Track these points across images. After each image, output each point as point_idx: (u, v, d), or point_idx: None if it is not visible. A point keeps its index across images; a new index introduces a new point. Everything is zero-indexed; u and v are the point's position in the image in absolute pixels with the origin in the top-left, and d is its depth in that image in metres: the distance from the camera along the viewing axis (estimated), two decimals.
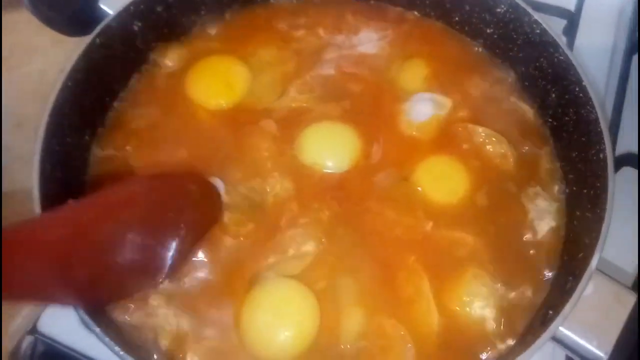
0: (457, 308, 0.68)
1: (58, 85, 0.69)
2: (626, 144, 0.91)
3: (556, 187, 0.76)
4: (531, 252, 0.72)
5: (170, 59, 0.85)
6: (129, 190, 0.64)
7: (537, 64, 0.80)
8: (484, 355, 0.66)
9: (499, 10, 0.83)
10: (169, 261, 0.64)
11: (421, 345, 0.66)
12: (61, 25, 0.83)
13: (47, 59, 1.08)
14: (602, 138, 0.68)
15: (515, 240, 0.73)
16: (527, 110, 0.83)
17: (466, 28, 0.88)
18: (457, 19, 0.89)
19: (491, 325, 0.67)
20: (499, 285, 0.69)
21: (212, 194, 0.73)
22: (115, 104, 0.81)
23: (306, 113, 0.81)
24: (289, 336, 0.65)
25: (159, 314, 0.66)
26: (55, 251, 0.53)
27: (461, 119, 0.81)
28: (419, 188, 0.75)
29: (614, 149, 0.87)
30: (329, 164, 0.77)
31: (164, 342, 0.65)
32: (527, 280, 0.70)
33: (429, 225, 0.73)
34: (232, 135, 0.79)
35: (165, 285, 0.67)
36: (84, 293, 0.58)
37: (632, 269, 0.77)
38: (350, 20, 0.91)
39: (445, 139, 0.79)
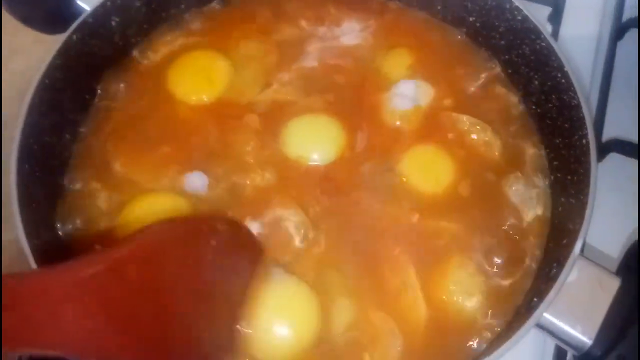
0: (444, 297, 0.68)
1: (34, 84, 0.68)
2: (613, 130, 0.91)
3: (541, 174, 0.76)
4: (517, 239, 0.72)
5: (150, 54, 0.84)
6: (153, 235, 0.56)
7: (520, 51, 0.80)
8: (472, 344, 0.66)
9: None
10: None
11: (409, 335, 0.66)
12: (38, 22, 0.82)
13: (29, 58, 1.06)
14: (585, 124, 0.68)
15: (501, 228, 0.72)
16: (511, 98, 0.82)
17: (448, 17, 0.88)
18: (439, 7, 0.88)
19: (478, 313, 0.67)
20: (485, 273, 0.69)
21: (243, 232, 0.69)
22: (95, 101, 0.80)
23: (289, 106, 0.80)
24: (292, 334, 0.65)
25: None
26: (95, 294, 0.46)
27: (445, 107, 0.81)
28: (404, 178, 0.75)
29: (600, 136, 0.88)
30: (314, 156, 0.76)
31: None
32: (513, 268, 0.70)
33: (415, 216, 0.73)
34: (215, 130, 0.78)
35: None
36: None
37: (616, 254, 0.77)
38: (332, 12, 0.90)
39: (429, 127, 0.79)
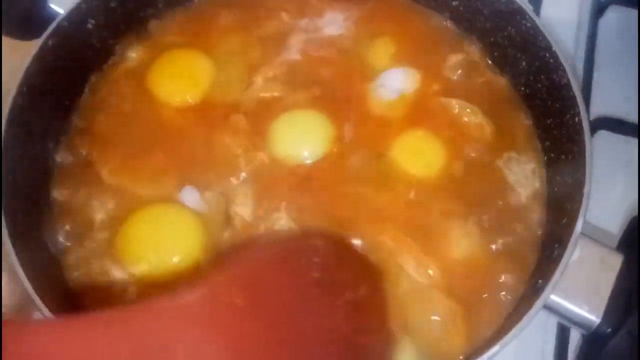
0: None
1: (13, 92, 0.65)
2: (600, 108, 0.91)
3: (534, 155, 0.76)
4: (514, 219, 0.72)
5: (129, 55, 0.82)
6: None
7: (505, 33, 0.79)
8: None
9: None
10: None
11: None
12: (10, 28, 0.79)
13: (7, 68, 1.04)
14: (576, 102, 0.67)
15: (497, 208, 0.72)
16: (499, 80, 0.82)
17: (432, 2, 0.87)
18: None
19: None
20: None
21: (344, 246, 0.66)
22: (77, 107, 0.77)
23: (276, 102, 0.79)
24: None
25: None
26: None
27: (434, 93, 0.80)
28: (397, 163, 0.74)
29: (588, 114, 0.88)
30: (304, 153, 0.75)
31: None
32: (514, 249, 0.70)
33: (411, 199, 0.72)
34: (202, 133, 0.76)
35: None
36: None
37: (615, 230, 0.78)
38: (313, 3, 0.88)
39: (419, 114, 0.78)
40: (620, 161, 0.86)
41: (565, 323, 0.60)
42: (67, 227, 0.70)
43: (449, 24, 0.87)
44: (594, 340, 0.58)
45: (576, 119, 0.67)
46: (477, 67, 0.83)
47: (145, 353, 0.39)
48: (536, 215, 0.72)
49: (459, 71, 0.83)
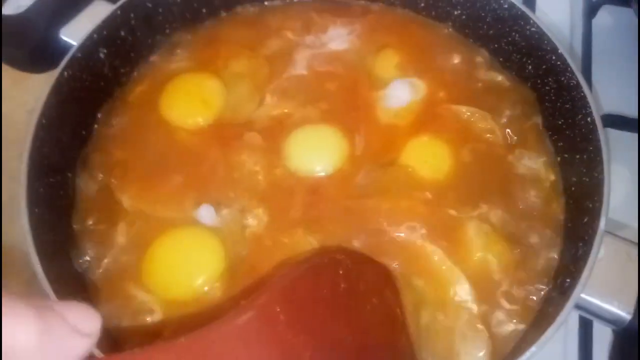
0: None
1: (33, 125, 0.66)
2: (600, 106, 0.92)
3: (547, 156, 0.77)
4: (533, 223, 0.72)
5: (140, 83, 0.83)
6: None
7: (509, 39, 0.81)
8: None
9: None
10: None
11: None
12: (23, 62, 0.80)
13: (10, 101, 1.04)
14: (587, 102, 0.68)
15: (516, 209, 0.73)
16: (506, 85, 0.83)
17: (433, 13, 0.89)
18: (422, 5, 0.89)
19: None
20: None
21: (361, 258, 0.69)
22: (92, 136, 0.78)
23: (287, 119, 0.80)
24: None
25: None
26: None
27: (442, 100, 0.81)
28: (410, 169, 0.75)
29: None
30: (318, 167, 0.76)
31: None
32: (533, 248, 0.71)
33: (428, 203, 0.73)
34: (217, 153, 0.77)
35: None
36: None
37: (635, 223, 0.78)
38: (316, 20, 0.90)
39: (429, 121, 0.79)
40: (624, 156, 0.88)
41: (596, 320, 0.61)
42: (91, 254, 0.70)
43: (451, 32, 0.88)
44: (626, 336, 0.58)
45: (588, 119, 0.68)
46: (482, 73, 0.85)
47: None
48: (553, 215, 0.73)
49: (464, 78, 0.84)
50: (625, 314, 0.59)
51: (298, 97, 0.82)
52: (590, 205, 0.64)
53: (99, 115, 0.79)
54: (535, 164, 0.76)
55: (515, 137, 0.78)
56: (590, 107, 0.68)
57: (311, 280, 0.59)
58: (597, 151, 0.66)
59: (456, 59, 0.86)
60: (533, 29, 0.76)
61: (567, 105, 0.73)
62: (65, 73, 0.71)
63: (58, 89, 0.70)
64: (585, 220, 0.65)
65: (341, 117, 0.79)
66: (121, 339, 0.64)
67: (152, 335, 0.65)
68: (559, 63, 0.73)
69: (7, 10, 0.79)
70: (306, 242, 0.70)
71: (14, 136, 0.93)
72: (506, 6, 0.79)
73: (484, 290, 0.68)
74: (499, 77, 0.84)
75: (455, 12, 0.86)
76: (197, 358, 0.43)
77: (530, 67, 0.79)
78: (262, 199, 0.73)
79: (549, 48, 0.74)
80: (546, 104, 0.78)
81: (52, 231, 0.65)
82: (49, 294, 0.58)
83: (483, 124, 0.78)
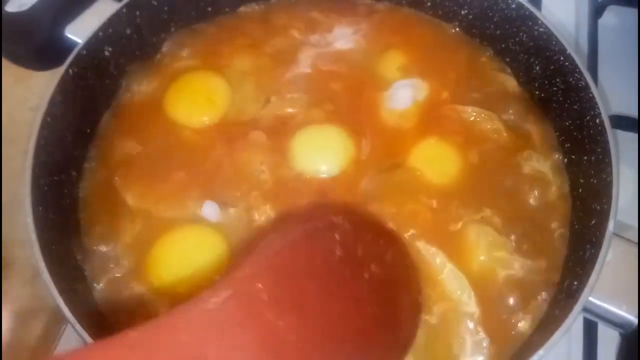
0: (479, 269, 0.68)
1: (38, 123, 0.66)
2: (609, 107, 0.92)
3: (554, 157, 0.76)
4: (539, 224, 0.72)
5: (145, 81, 0.82)
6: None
7: (517, 39, 0.80)
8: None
9: None
10: None
11: None
12: (28, 60, 0.79)
13: (11, 99, 1.04)
14: (596, 104, 0.68)
15: (521, 212, 0.73)
16: (512, 86, 0.83)
17: (439, 12, 0.88)
18: (429, 4, 0.88)
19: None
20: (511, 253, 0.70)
21: (364, 219, 0.64)
22: (97, 134, 0.78)
23: (292, 118, 0.79)
24: None
25: None
26: None
27: (447, 101, 0.81)
28: (417, 173, 0.75)
29: None
30: (324, 167, 0.76)
31: None
32: (539, 250, 0.70)
33: (434, 207, 0.72)
34: (222, 151, 0.76)
35: None
36: None
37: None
38: (321, 19, 0.89)
39: (435, 123, 0.79)
40: (628, 157, 0.87)
41: (603, 323, 0.60)
42: (97, 251, 0.70)
43: (458, 32, 0.88)
44: (633, 339, 0.58)
45: (597, 120, 0.67)
46: (489, 73, 0.84)
47: None
48: (560, 217, 0.73)
49: (470, 78, 0.84)
50: (633, 317, 0.58)
51: (303, 96, 0.81)
52: (598, 208, 0.64)
53: (104, 114, 0.79)
54: (542, 166, 0.76)
55: (522, 138, 0.78)
56: (599, 109, 0.68)
57: (302, 249, 0.52)
58: (606, 153, 0.65)
59: (462, 59, 0.86)
60: (541, 29, 0.76)
61: (575, 107, 0.72)
62: (71, 71, 0.71)
63: (63, 87, 0.70)
64: (593, 222, 0.64)
65: (346, 119, 0.79)
66: None
67: None
68: (567, 64, 0.72)
69: (12, 7, 0.79)
70: None
71: (16, 134, 0.93)
72: (514, 6, 0.78)
73: (487, 293, 0.68)
74: (506, 78, 0.83)
75: (462, 12, 0.85)
76: (162, 350, 0.37)
77: (537, 67, 0.79)
78: (268, 198, 0.73)
79: (557, 49, 0.74)
80: (553, 105, 0.77)
81: (56, 230, 0.65)
82: (52, 292, 0.58)
83: (489, 125, 0.78)
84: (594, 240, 0.61)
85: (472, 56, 0.86)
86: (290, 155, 0.76)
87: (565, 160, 0.76)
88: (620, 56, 1.00)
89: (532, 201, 0.74)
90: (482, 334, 0.66)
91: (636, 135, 0.88)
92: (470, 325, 0.66)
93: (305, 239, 0.54)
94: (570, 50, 0.72)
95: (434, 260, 0.69)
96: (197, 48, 0.86)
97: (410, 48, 0.86)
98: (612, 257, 0.60)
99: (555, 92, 0.76)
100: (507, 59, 0.83)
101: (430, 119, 0.79)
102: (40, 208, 0.63)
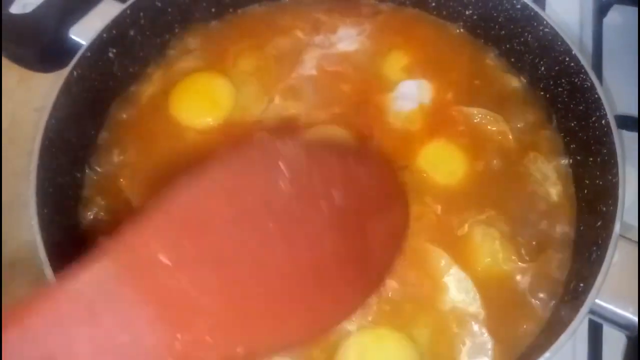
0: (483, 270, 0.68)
1: (42, 125, 0.66)
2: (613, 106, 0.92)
3: (559, 159, 0.76)
4: (544, 226, 0.72)
5: (149, 82, 0.82)
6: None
7: (522, 39, 0.80)
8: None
9: None
10: None
11: None
12: (32, 61, 0.79)
13: (15, 99, 1.04)
14: (602, 104, 0.68)
15: (526, 214, 0.72)
16: (517, 86, 0.82)
17: (444, 12, 0.88)
18: (433, 4, 0.88)
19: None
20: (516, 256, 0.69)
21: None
22: (101, 136, 0.78)
23: (297, 119, 0.79)
24: None
25: None
26: None
27: (452, 102, 0.80)
28: (423, 174, 0.75)
29: None
30: None
31: None
32: (544, 252, 0.70)
33: (439, 209, 0.72)
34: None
35: None
36: None
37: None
38: (325, 20, 0.89)
39: (440, 123, 0.79)
40: (631, 157, 0.86)
41: (609, 326, 0.60)
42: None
43: (462, 32, 0.88)
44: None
45: (603, 121, 0.67)
46: (493, 74, 0.84)
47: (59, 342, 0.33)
48: (565, 219, 0.72)
49: (475, 79, 0.83)
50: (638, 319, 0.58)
51: (307, 97, 0.81)
52: (604, 209, 0.64)
53: (108, 115, 0.79)
54: (547, 167, 0.76)
55: (527, 140, 0.78)
56: (604, 109, 0.67)
57: (225, 190, 0.43)
58: (612, 154, 0.65)
59: (467, 60, 0.85)
60: (546, 29, 0.75)
61: (581, 107, 0.72)
62: (75, 72, 0.71)
63: (67, 89, 0.70)
64: (599, 223, 0.64)
65: (351, 120, 0.79)
66: None
67: None
68: (572, 64, 0.72)
69: (16, 9, 0.79)
70: None
71: (19, 134, 0.94)
72: (519, 6, 0.78)
73: (492, 295, 0.67)
74: (511, 79, 0.83)
75: (467, 12, 0.85)
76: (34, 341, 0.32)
77: (542, 68, 0.78)
78: None
79: (562, 49, 0.73)
80: (559, 105, 0.77)
81: (61, 231, 0.65)
82: None
83: (495, 127, 0.78)
84: (600, 242, 0.61)
85: (476, 57, 0.86)
86: None
87: (571, 161, 0.75)
88: (625, 56, 0.99)
89: (537, 203, 0.73)
90: (486, 336, 0.66)
91: (637, 135, 0.88)
92: (475, 326, 0.66)
93: (231, 176, 0.44)
94: (575, 50, 0.71)
95: (439, 261, 0.69)
96: (201, 49, 0.86)
97: (414, 48, 0.85)
98: (618, 259, 0.60)
99: (561, 93, 0.76)
100: (512, 60, 0.83)
101: (435, 121, 0.79)
102: (45, 210, 0.63)
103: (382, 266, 0.55)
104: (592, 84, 0.69)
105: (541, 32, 0.76)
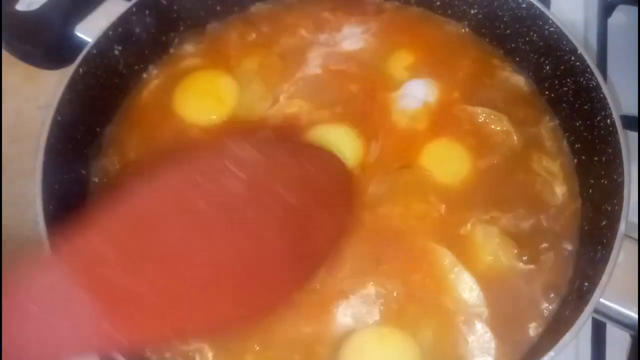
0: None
1: (48, 122, 0.66)
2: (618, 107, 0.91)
3: (563, 158, 0.76)
4: (548, 225, 0.72)
5: (154, 80, 0.82)
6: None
7: (527, 39, 0.80)
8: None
9: None
10: None
11: None
12: (38, 58, 0.80)
13: (20, 96, 1.05)
14: (607, 104, 0.68)
15: (530, 213, 0.72)
16: (522, 86, 0.82)
17: (449, 11, 0.88)
18: (438, 3, 0.88)
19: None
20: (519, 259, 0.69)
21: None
22: (106, 133, 0.78)
23: (301, 118, 0.79)
24: None
25: None
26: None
27: (456, 101, 0.80)
28: (426, 173, 0.75)
29: None
30: None
31: None
32: (549, 251, 0.70)
33: (442, 208, 0.72)
34: None
35: None
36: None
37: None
38: (330, 18, 0.89)
39: (444, 123, 0.79)
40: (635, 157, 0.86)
41: (614, 325, 0.60)
42: None
43: (467, 31, 0.88)
44: None
45: (608, 121, 0.67)
46: (498, 73, 0.84)
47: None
48: (570, 218, 0.72)
49: (480, 78, 0.83)
50: None
51: (311, 96, 0.81)
52: (609, 208, 0.64)
53: (113, 112, 0.79)
54: (551, 167, 0.76)
55: (532, 139, 0.78)
56: (610, 109, 0.67)
57: (172, 191, 0.46)
58: (617, 153, 0.65)
59: (472, 59, 0.85)
60: (552, 29, 0.75)
61: (586, 107, 0.72)
62: (80, 70, 0.71)
63: (73, 86, 0.70)
64: (604, 223, 0.64)
65: (356, 119, 0.79)
66: None
67: None
68: (578, 64, 0.72)
69: (22, 6, 0.79)
70: None
71: (24, 131, 0.94)
72: (524, 5, 0.78)
73: (496, 294, 0.67)
74: (516, 78, 0.83)
75: (472, 11, 0.85)
76: None
77: (547, 67, 0.78)
78: None
79: (567, 48, 0.73)
80: (564, 105, 0.77)
81: (67, 227, 0.65)
82: None
83: (499, 126, 0.78)
84: (604, 241, 0.61)
85: (481, 56, 0.86)
86: None
87: (576, 160, 0.75)
88: (630, 56, 0.99)
89: (541, 202, 0.73)
90: (490, 335, 0.66)
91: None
92: (479, 325, 0.66)
93: (178, 176, 0.49)
94: (581, 49, 0.71)
95: (443, 260, 0.69)
96: (206, 47, 0.86)
97: (419, 47, 0.86)
98: (622, 258, 0.60)
99: (566, 92, 0.76)
100: (517, 59, 0.83)
101: (440, 120, 0.79)
102: (50, 207, 0.63)
103: (318, 259, 0.57)
104: (598, 84, 0.69)
105: (546, 32, 0.76)
